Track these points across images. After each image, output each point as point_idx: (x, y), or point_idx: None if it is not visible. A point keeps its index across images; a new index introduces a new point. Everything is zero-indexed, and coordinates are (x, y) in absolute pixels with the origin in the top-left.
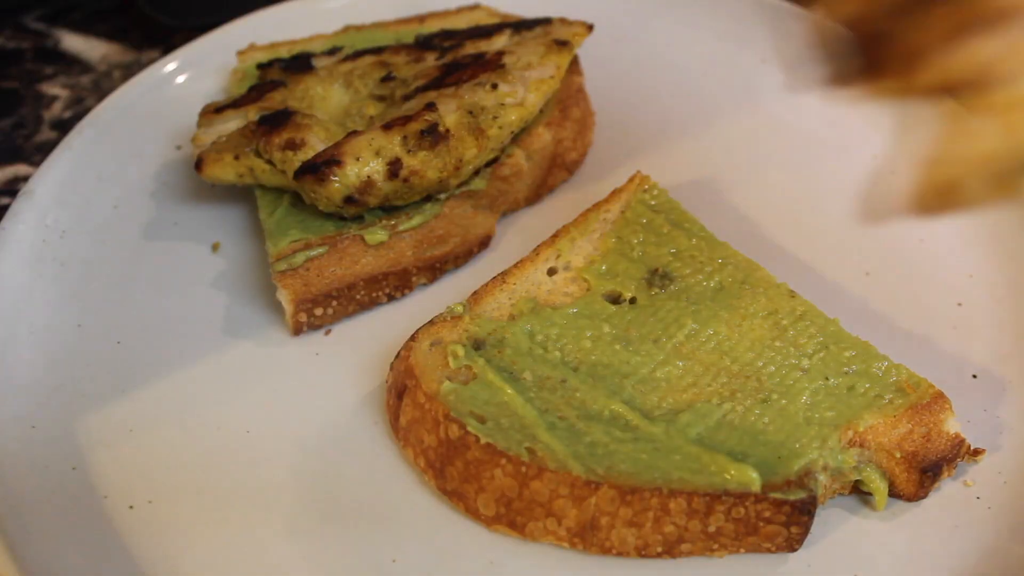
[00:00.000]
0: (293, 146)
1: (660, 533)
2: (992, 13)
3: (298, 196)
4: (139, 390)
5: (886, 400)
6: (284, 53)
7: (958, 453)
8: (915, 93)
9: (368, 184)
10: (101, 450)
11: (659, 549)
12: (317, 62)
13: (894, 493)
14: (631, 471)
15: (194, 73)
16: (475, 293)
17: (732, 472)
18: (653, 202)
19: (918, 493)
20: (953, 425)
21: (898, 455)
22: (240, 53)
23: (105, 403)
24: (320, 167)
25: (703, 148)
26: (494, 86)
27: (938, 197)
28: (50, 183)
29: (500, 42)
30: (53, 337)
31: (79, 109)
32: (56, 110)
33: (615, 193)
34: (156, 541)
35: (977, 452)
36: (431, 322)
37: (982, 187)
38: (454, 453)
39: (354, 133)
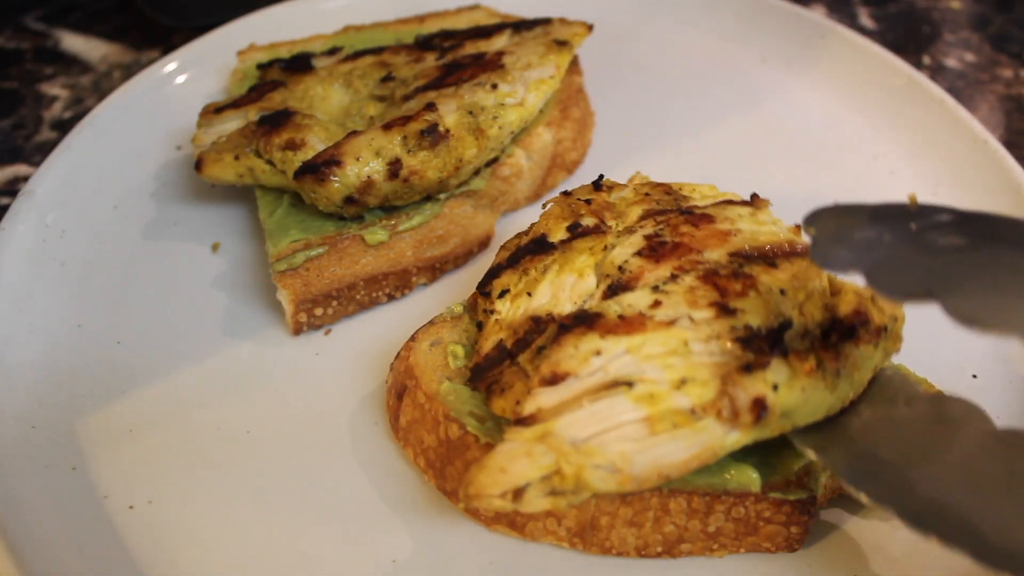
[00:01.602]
0: (293, 146)
1: (660, 533)
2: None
3: (298, 196)
4: (139, 390)
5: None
6: (284, 53)
7: None
8: None
9: (368, 184)
10: (101, 450)
11: (659, 549)
12: (317, 62)
13: None
14: None
15: (194, 73)
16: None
17: (732, 472)
18: None
19: None
20: None
21: None
22: (240, 53)
23: (105, 403)
24: (320, 167)
25: (703, 148)
26: (494, 86)
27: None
28: (50, 183)
29: (500, 42)
30: (53, 337)
31: (79, 109)
32: (56, 110)
33: None
34: (156, 541)
35: None
36: (431, 322)
37: (540, 496)
38: (454, 453)
39: (354, 133)
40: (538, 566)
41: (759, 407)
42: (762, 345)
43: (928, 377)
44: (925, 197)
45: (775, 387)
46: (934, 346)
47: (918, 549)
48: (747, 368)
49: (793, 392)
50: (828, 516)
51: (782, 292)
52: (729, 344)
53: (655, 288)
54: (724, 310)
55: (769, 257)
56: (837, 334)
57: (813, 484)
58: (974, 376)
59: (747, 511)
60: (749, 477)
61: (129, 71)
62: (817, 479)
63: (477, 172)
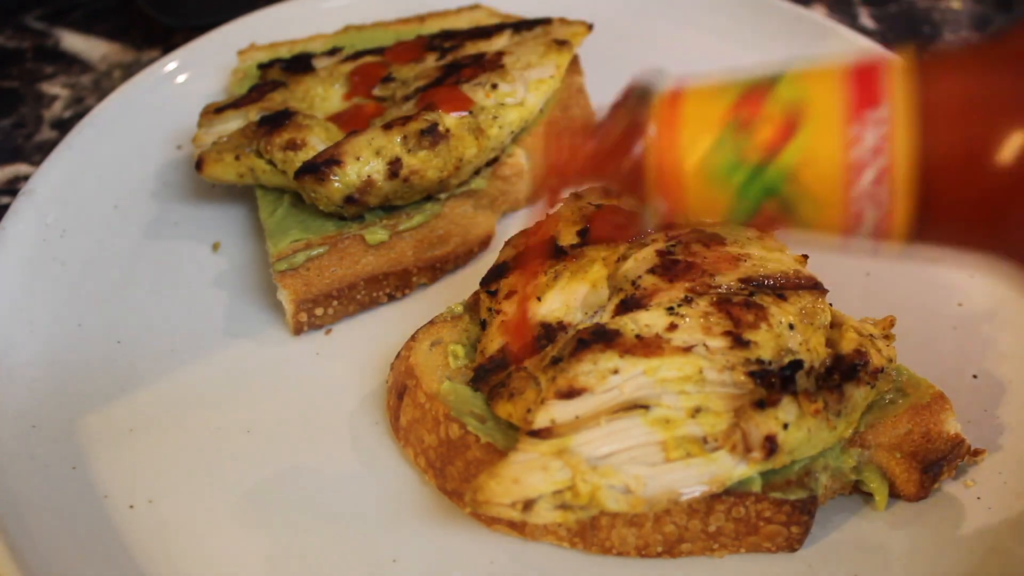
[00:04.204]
0: (294, 146)
1: (660, 533)
2: None
3: (298, 196)
4: (139, 390)
5: (886, 400)
6: (284, 53)
7: (958, 453)
8: None
9: (368, 184)
10: (101, 450)
11: (659, 549)
12: (317, 62)
13: (894, 493)
14: None
15: (194, 73)
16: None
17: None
18: None
19: (918, 493)
20: (953, 425)
21: (898, 455)
22: (240, 53)
23: (105, 403)
24: (320, 167)
25: None
26: (494, 86)
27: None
28: (50, 183)
29: (500, 42)
30: (53, 337)
31: (79, 109)
32: (56, 110)
33: None
34: (156, 541)
35: (977, 452)
36: (431, 322)
37: (550, 509)
38: (454, 453)
39: (354, 133)
40: (538, 566)
41: (770, 444)
42: (774, 381)
43: (928, 377)
44: None
45: (785, 426)
46: (934, 346)
47: (918, 549)
48: (760, 404)
49: (800, 431)
50: (828, 516)
51: (791, 327)
52: (742, 377)
53: (670, 310)
54: (738, 341)
55: (778, 288)
56: (839, 374)
57: (813, 484)
58: (974, 376)
59: (747, 511)
60: (749, 477)
61: (129, 71)
62: (817, 479)
63: (477, 172)
